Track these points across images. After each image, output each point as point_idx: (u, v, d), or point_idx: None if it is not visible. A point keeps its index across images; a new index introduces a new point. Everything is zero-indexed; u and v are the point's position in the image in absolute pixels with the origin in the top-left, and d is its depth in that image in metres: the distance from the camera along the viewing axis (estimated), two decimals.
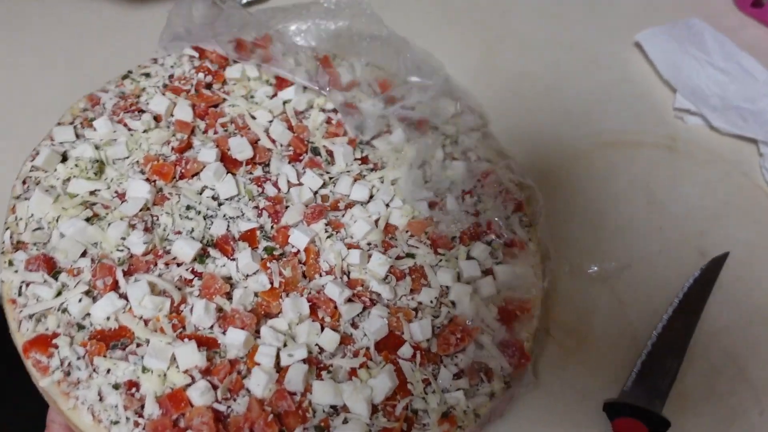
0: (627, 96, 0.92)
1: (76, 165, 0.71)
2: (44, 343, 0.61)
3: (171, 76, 0.83)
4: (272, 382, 0.63)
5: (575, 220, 0.80)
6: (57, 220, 0.68)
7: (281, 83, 0.86)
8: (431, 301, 0.72)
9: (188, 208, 0.73)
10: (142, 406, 0.60)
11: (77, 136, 0.75)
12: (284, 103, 0.85)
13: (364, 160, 0.84)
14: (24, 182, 0.70)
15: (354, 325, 0.69)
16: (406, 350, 0.67)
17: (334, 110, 0.86)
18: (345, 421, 0.62)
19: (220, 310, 0.67)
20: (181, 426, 0.59)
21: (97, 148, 0.74)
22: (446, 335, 0.69)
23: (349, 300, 0.70)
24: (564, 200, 0.82)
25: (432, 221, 0.79)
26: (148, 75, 0.83)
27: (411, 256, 0.76)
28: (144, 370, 0.61)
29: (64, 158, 0.73)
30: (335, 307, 0.69)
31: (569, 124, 0.89)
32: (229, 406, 0.61)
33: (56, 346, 0.61)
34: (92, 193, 0.71)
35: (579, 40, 0.98)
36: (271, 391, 0.62)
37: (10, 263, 0.65)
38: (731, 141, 0.87)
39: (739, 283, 0.75)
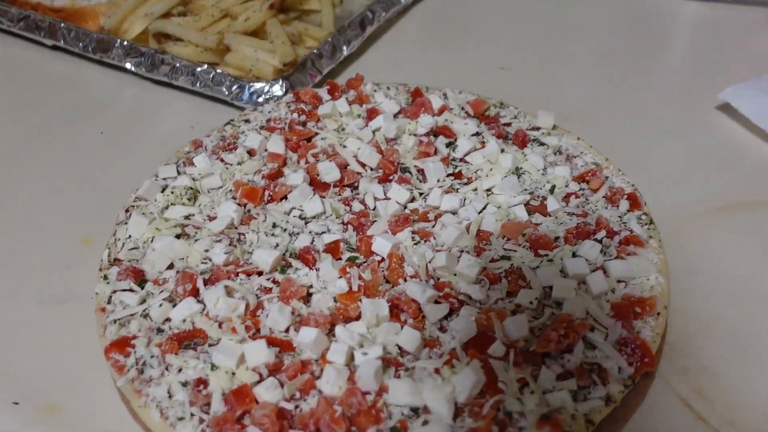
0: (723, 157, 0.86)
1: (172, 192, 0.75)
2: (124, 344, 0.61)
3: (269, 120, 0.87)
4: (342, 380, 0.57)
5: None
6: (152, 240, 0.71)
7: (372, 115, 0.87)
8: (531, 302, 0.63)
9: (274, 226, 0.73)
10: (209, 404, 0.57)
11: (179, 172, 0.80)
12: (374, 131, 0.85)
13: (458, 176, 0.80)
14: (127, 210, 0.75)
15: (442, 329, 0.62)
16: (497, 348, 0.58)
17: (426, 134, 0.85)
18: (425, 423, 0.54)
19: (298, 316, 0.63)
20: (245, 423, 0.55)
21: (194, 180, 0.78)
22: (547, 332, 0.59)
23: (435, 302, 0.63)
24: (693, 268, 0.72)
25: (531, 224, 0.72)
26: (247, 121, 0.88)
27: (507, 258, 0.68)
28: (213, 367, 0.58)
29: (164, 190, 0.77)
30: (419, 309, 0.63)
31: (670, 191, 0.82)
32: (297, 405, 0.56)
33: (133, 346, 0.61)
34: (186, 217, 0.74)
35: (661, 107, 0.95)
36: (342, 389, 0.56)
37: (105, 278, 0.68)
38: None
39: None
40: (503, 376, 0.57)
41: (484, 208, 0.74)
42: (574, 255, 0.68)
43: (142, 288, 0.66)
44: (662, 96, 0.96)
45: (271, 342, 0.60)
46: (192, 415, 0.56)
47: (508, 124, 0.86)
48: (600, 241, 0.69)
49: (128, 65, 1.00)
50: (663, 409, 0.60)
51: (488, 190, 0.77)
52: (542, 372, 0.57)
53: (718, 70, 1.01)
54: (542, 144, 0.83)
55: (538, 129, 0.85)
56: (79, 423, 0.61)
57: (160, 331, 0.63)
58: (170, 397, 0.57)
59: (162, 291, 0.65)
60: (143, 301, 0.65)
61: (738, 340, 0.66)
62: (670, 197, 0.81)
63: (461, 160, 0.82)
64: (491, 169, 0.79)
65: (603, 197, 0.75)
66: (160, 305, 0.64)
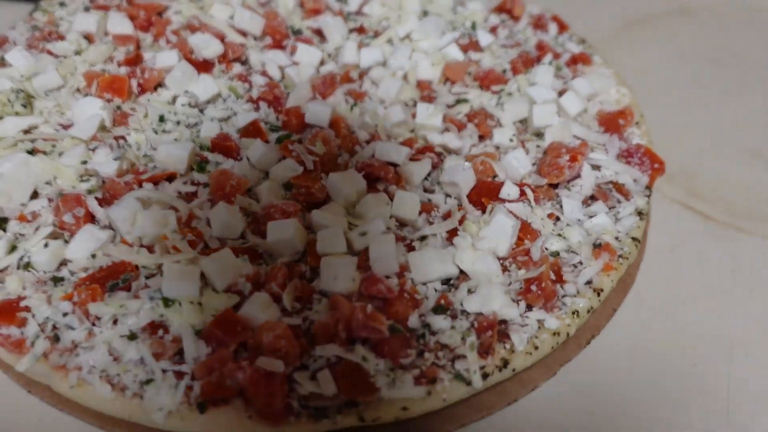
0: None
1: None
2: (9, 310, 0.40)
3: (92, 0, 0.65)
4: (352, 269, 0.43)
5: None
6: None
7: None
8: (510, 140, 0.54)
9: (162, 119, 0.54)
10: (181, 352, 0.39)
11: None
12: None
13: (361, 30, 0.66)
14: None
15: (427, 190, 0.51)
16: (510, 190, 0.49)
17: None
18: (471, 291, 0.43)
19: (247, 214, 0.47)
20: (245, 357, 0.39)
21: (19, 82, 0.54)
22: (551, 161, 0.51)
23: (411, 160, 0.51)
24: (632, 82, 0.69)
25: (472, 62, 0.62)
26: (62, 4, 0.64)
27: (463, 101, 0.58)
28: (167, 303, 0.41)
29: None
30: (396, 173, 0.50)
31: (578, 13, 0.78)
32: (305, 317, 0.41)
33: (28, 309, 0.40)
34: (27, 131, 0.51)
35: None
36: (356, 281, 0.43)
37: None
38: None
39: None
40: (530, 216, 0.47)
41: (411, 54, 0.63)
42: (530, 84, 0.60)
43: (4, 231, 0.44)
44: None
45: (235, 252, 0.44)
46: (164, 371, 0.38)
47: None
48: (549, 65, 0.62)
49: None
50: (671, 219, 0.57)
51: (406, 37, 0.65)
52: (565, 203, 0.49)
53: None
54: None
55: None
56: None
57: (58, 280, 0.42)
58: (116, 360, 0.39)
59: (38, 228, 0.44)
60: (13, 249, 0.43)
61: (705, 139, 0.65)
62: (581, 19, 0.76)
63: (358, 13, 0.68)
64: (399, 16, 0.67)
65: (529, 24, 0.68)
66: (46, 245, 0.43)
